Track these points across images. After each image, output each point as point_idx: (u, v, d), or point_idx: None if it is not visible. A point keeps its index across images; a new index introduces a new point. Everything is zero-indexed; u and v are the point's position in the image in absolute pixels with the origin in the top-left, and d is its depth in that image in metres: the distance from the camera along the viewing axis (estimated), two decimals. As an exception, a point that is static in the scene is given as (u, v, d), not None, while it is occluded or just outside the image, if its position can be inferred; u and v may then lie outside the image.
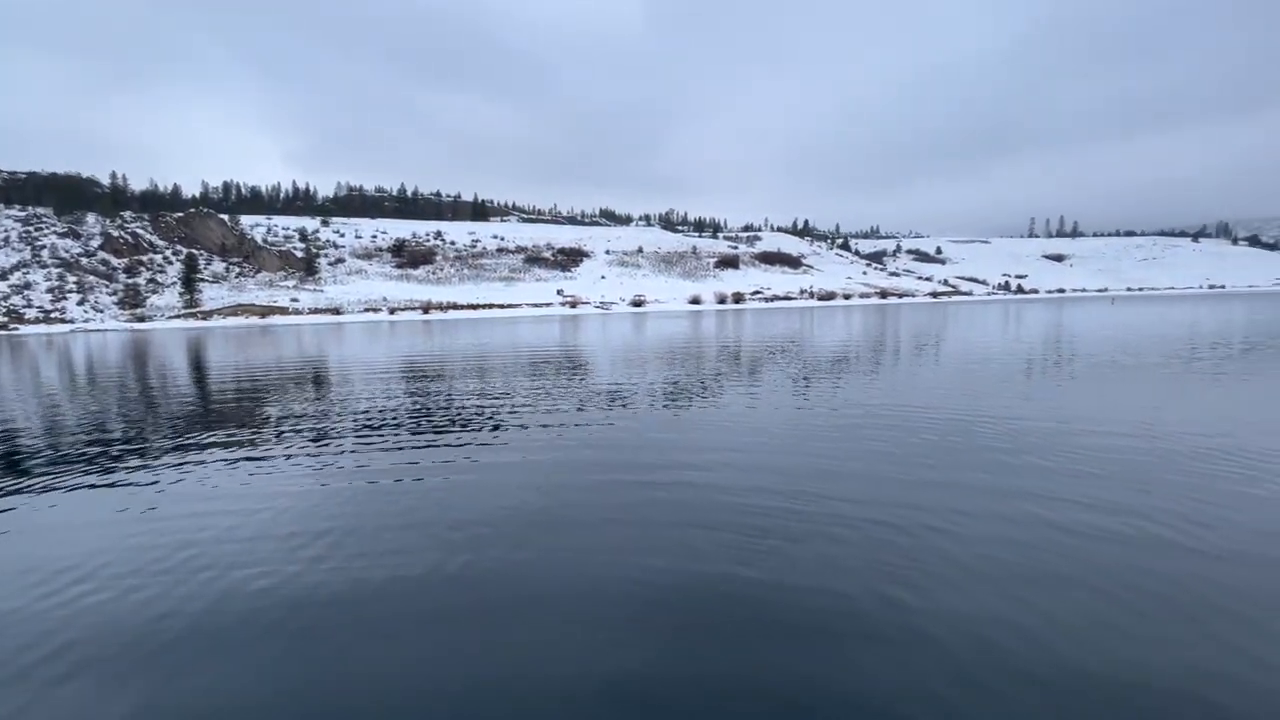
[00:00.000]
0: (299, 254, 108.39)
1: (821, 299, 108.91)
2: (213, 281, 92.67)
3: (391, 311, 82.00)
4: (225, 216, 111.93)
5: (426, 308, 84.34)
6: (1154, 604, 3.48)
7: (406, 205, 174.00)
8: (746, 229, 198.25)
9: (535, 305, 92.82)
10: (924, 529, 4.62)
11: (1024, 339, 22.78)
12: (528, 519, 5.12)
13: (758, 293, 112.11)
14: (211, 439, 8.52)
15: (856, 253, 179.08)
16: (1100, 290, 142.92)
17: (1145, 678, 2.84)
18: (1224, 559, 4.00)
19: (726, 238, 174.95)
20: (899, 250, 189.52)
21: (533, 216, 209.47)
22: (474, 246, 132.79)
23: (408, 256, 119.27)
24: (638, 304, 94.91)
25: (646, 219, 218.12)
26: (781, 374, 14.12)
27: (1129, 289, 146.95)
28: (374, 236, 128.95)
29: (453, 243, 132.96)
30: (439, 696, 2.87)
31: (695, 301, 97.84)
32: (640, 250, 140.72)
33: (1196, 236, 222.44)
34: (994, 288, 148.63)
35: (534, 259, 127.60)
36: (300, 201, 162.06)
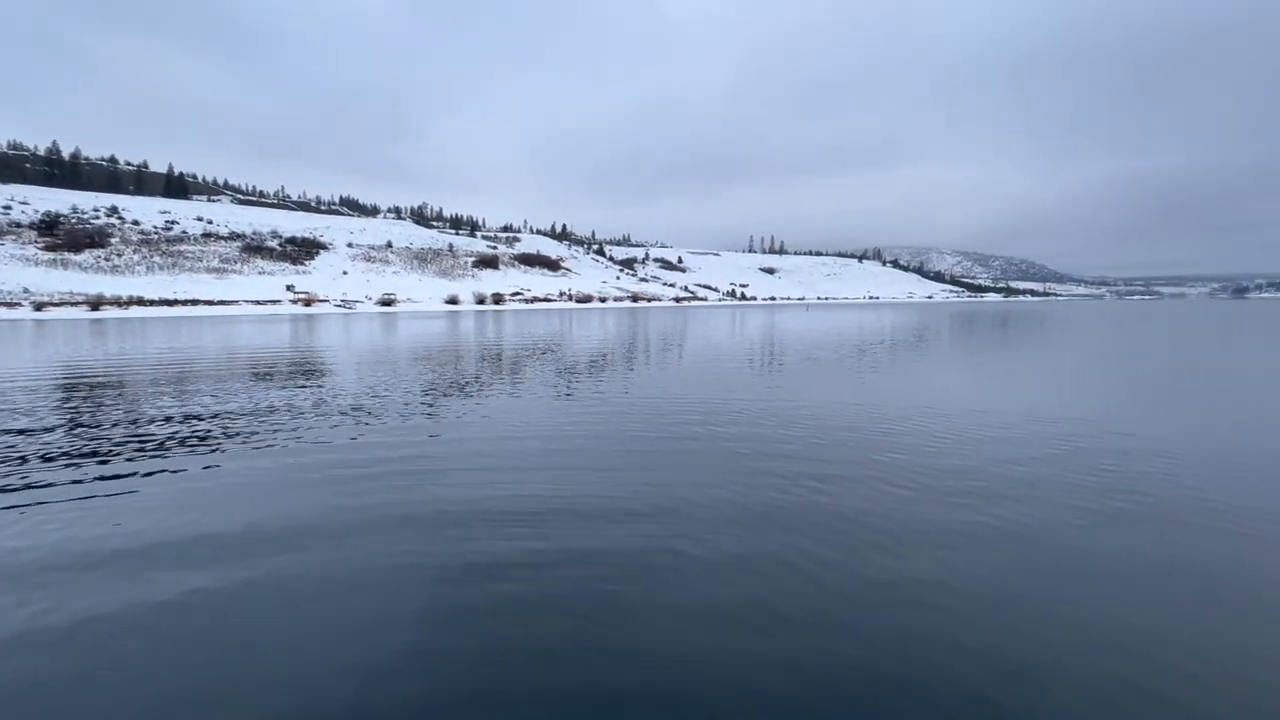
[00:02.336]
0: None
1: (579, 301, 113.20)
2: None
3: (39, 307, 62.58)
4: None
5: (96, 303, 66.21)
6: (858, 517, 4.49)
7: (62, 171, 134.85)
8: (506, 229, 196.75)
9: (258, 303, 79.42)
10: (707, 496, 5.19)
11: (749, 338, 26.77)
12: (248, 539, 4.34)
13: (518, 294, 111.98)
14: None
15: (611, 258, 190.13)
16: (800, 298, 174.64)
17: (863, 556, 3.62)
18: (913, 491, 5.28)
19: (485, 237, 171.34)
20: (648, 258, 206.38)
21: (253, 199, 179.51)
22: (169, 229, 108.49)
23: (65, 237, 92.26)
24: (387, 303, 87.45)
25: (397, 212, 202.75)
26: (547, 371, 14.36)
27: (819, 297, 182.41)
28: (7, 207, 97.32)
29: (136, 223, 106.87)
30: None
31: (453, 301, 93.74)
32: (390, 245, 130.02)
33: (861, 258, 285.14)
34: (723, 294, 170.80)
35: (255, 248, 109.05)
36: None
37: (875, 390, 11.42)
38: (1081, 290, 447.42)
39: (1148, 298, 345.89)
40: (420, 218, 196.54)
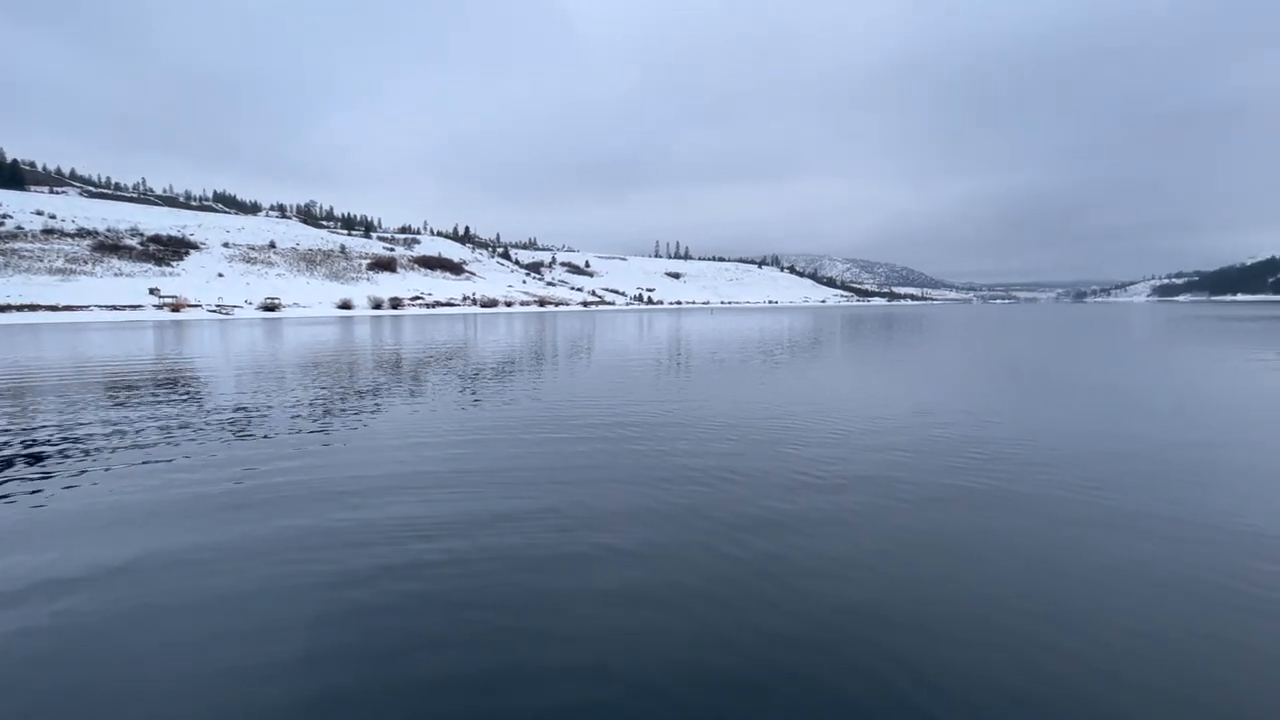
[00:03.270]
0: None
1: (484, 306, 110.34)
2: None
3: None
4: None
5: (-97, 308, 56.58)
6: (762, 485, 4.77)
7: None
8: (404, 231, 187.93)
9: (114, 308, 71.02)
10: (618, 488, 5.33)
11: (657, 342, 27.47)
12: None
13: (418, 298, 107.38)
14: None
15: (517, 262, 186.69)
16: (705, 302, 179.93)
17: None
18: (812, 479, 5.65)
19: (381, 238, 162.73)
20: (555, 262, 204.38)
21: (107, 191, 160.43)
22: (0, 224, 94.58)
23: None
24: (271, 308, 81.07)
25: (281, 210, 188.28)
26: (451, 378, 14.08)
27: (722, 302, 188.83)
28: None
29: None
30: None
31: (346, 306, 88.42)
32: (273, 245, 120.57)
33: (761, 264, 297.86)
34: (631, 299, 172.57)
35: (110, 247, 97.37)
36: None
37: (773, 389, 12.24)
38: (953, 295, 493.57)
39: (1007, 301, 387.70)
40: (308, 217, 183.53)
